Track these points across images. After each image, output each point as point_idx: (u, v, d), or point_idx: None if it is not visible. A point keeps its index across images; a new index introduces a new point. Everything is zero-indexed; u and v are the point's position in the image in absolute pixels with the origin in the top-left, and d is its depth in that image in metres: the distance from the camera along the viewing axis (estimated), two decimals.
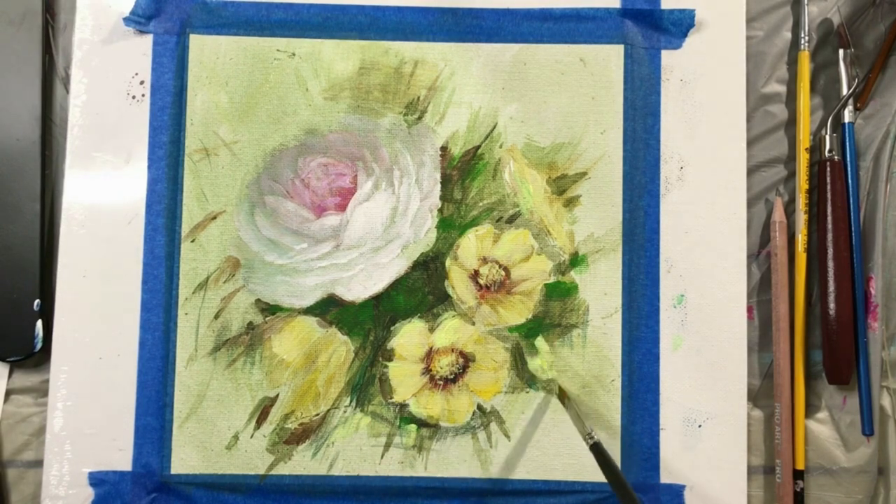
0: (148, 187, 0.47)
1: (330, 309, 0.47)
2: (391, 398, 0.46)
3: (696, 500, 0.46)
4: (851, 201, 0.48)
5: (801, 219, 0.48)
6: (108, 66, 0.48)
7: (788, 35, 0.49)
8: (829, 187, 0.47)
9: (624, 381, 0.47)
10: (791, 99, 0.49)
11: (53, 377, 0.46)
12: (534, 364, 0.47)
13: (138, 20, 0.48)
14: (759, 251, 0.49)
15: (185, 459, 0.46)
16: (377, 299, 0.47)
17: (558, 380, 0.46)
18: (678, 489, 0.46)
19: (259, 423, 0.46)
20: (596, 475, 0.46)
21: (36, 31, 0.48)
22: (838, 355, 0.46)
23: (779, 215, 0.48)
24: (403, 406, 0.46)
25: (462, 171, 0.48)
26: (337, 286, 0.47)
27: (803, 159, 0.48)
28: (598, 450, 0.42)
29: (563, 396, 0.46)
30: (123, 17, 0.48)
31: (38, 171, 0.47)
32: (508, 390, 0.47)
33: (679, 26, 0.48)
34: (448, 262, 0.47)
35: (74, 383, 0.46)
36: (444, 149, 0.48)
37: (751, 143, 0.49)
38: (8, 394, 0.47)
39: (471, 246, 0.47)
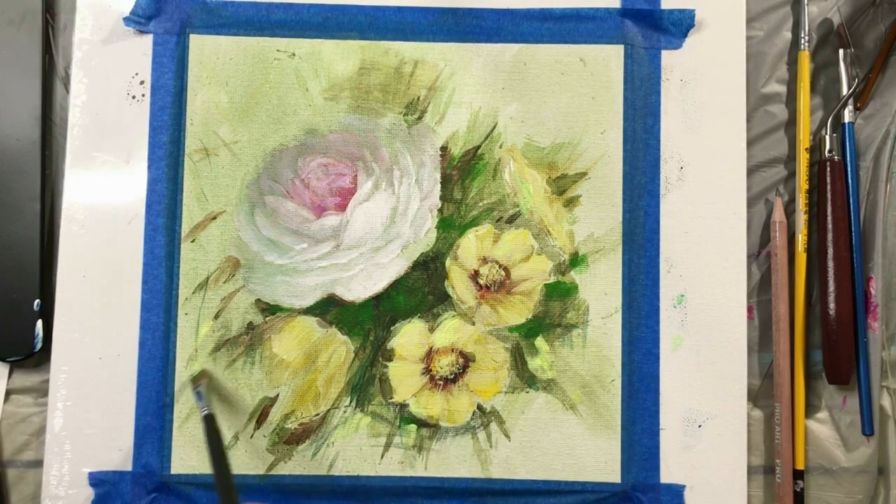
0: (148, 187, 0.47)
1: (330, 309, 0.47)
2: (391, 398, 0.46)
3: (696, 500, 0.46)
4: (851, 201, 0.48)
5: (801, 219, 0.48)
6: (108, 66, 0.48)
7: (788, 35, 0.49)
8: (829, 187, 0.47)
9: (624, 381, 0.47)
10: (791, 99, 0.49)
11: (53, 377, 0.46)
12: (534, 364, 0.47)
13: (138, 20, 0.48)
14: (759, 251, 0.49)
15: (185, 459, 0.46)
16: (377, 299, 0.47)
17: (205, 366, 0.47)
18: (678, 489, 0.46)
19: (259, 423, 0.46)
20: (596, 475, 0.46)
21: (36, 31, 0.48)
22: (838, 355, 0.46)
23: (779, 215, 0.48)
24: (403, 406, 0.46)
25: (462, 171, 0.48)
26: (337, 286, 0.47)
27: (803, 159, 0.48)
28: (208, 421, 0.43)
29: (198, 379, 0.46)
30: (123, 17, 0.48)
31: (38, 171, 0.47)
32: (508, 390, 0.47)
33: (679, 26, 0.48)
34: (448, 262, 0.47)
35: (74, 383, 0.46)
36: (444, 149, 0.48)
37: (751, 143, 0.49)
38: (8, 394, 0.47)
39: (471, 246, 0.47)
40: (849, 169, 0.48)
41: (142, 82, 0.48)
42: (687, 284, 0.47)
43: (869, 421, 0.46)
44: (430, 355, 0.47)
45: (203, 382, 0.46)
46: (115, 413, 0.46)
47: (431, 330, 0.47)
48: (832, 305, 0.46)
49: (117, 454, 0.46)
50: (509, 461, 0.46)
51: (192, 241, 0.47)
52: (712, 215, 0.48)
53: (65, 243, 0.47)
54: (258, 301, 0.47)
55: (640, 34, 0.48)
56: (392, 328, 0.47)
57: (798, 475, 0.46)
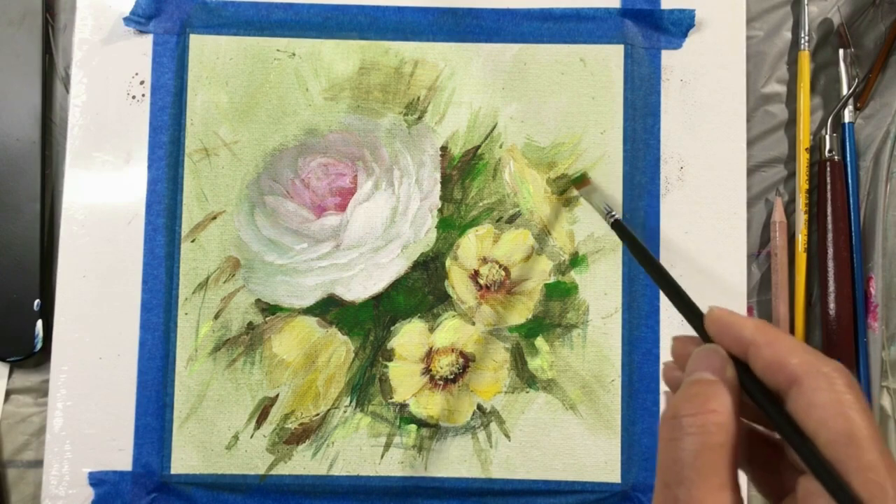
0: (148, 187, 0.47)
1: (330, 309, 0.47)
2: (391, 398, 0.46)
3: None
4: (851, 201, 0.48)
5: (801, 219, 0.48)
6: (108, 66, 0.48)
7: (788, 35, 0.49)
8: (829, 187, 0.47)
9: (624, 381, 0.47)
10: (791, 99, 0.49)
11: (53, 377, 0.46)
12: (534, 364, 0.47)
13: (138, 20, 0.48)
14: (759, 251, 0.49)
15: (185, 459, 0.46)
16: (377, 299, 0.47)
17: (587, 172, 0.47)
18: None
19: (259, 423, 0.46)
20: (596, 475, 0.46)
21: (36, 31, 0.48)
22: (838, 355, 0.46)
23: (779, 215, 0.48)
24: (403, 406, 0.46)
25: (462, 171, 0.48)
26: (337, 286, 0.47)
27: (803, 159, 0.48)
28: (618, 227, 0.42)
29: (582, 183, 0.47)
30: (123, 17, 0.48)
31: (38, 171, 0.47)
32: (508, 390, 0.47)
33: (679, 26, 0.48)
34: (448, 262, 0.47)
35: (74, 383, 0.46)
36: (444, 149, 0.48)
37: (751, 143, 0.49)
38: (8, 394, 0.47)
39: (471, 246, 0.47)
40: (849, 169, 0.48)
41: (142, 82, 0.48)
42: (687, 284, 0.47)
43: None
44: (430, 355, 0.47)
45: (589, 187, 0.46)
46: (115, 413, 0.46)
47: (431, 330, 0.47)
48: (832, 305, 0.46)
49: (117, 454, 0.46)
50: (509, 461, 0.46)
51: (192, 241, 0.47)
52: (712, 215, 0.48)
53: (65, 243, 0.47)
54: (258, 301, 0.47)
55: (640, 34, 0.48)
56: (392, 328, 0.47)
57: None
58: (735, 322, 0.28)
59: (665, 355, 0.47)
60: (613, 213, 0.43)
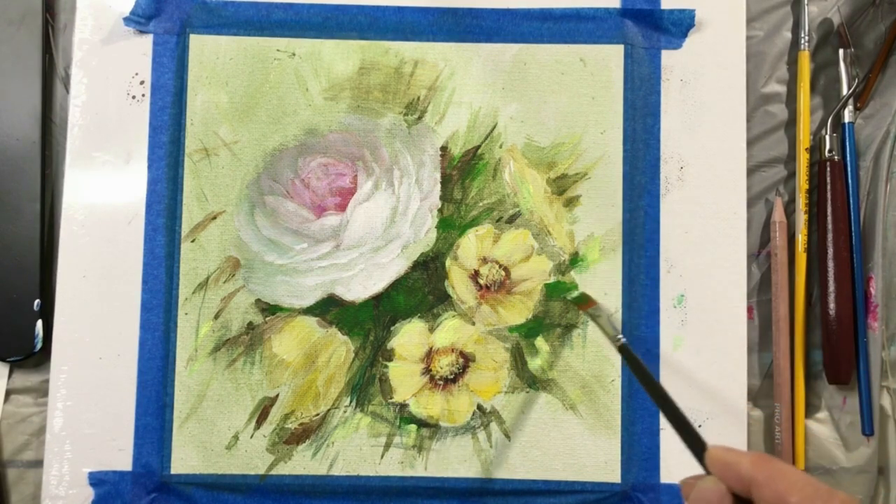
0: (148, 187, 0.47)
1: (330, 309, 0.47)
2: (391, 398, 0.47)
3: None
4: (851, 201, 0.48)
5: (801, 219, 0.48)
6: (108, 66, 0.48)
7: (788, 35, 0.49)
8: (829, 187, 0.47)
9: (624, 381, 0.47)
10: (791, 99, 0.49)
11: (53, 377, 0.46)
12: (534, 364, 0.47)
13: (138, 20, 0.48)
14: (759, 251, 0.49)
15: (185, 459, 0.46)
16: (377, 299, 0.47)
17: (585, 290, 0.47)
18: (678, 489, 0.46)
19: (259, 423, 0.46)
20: (596, 475, 0.46)
21: (36, 31, 0.48)
22: (838, 355, 0.46)
23: (779, 215, 0.48)
24: (403, 406, 0.47)
25: (462, 171, 0.48)
26: (337, 286, 0.47)
27: (803, 159, 0.48)
28: (625, 351, 0.42)
29: (586, 304, 0.46)
30: (123, 17, 0.48)
31: (38, 171, 0.47)
32: (508, 390, 0.47)
33: (679, 26, 0.48)
34: (448, 262, 0.47)
35: (74, 383, 0.46)
36: (444, 149, 0.48)
37: (751, 143, 0.49)
38: (8, 394, 0.47)
39: (471, 246, 0.47)
40: (849, 169, 0.48)
41: (142, 82, 0.48)
42: (687, 284, 0.47)
43: (869, 421, 0.46)
44: (430, 355, 0.47)
45: (595, 308, 0.46)
46: (115, 413, 0.46)
47: (431, 330, 0.47)
48: (832, 305, 0.46)
49: (117, 454, 0.46)
50: (509, 461, 0.46)
51: (192, 241, 0.47)
52: (712, 215, 0.48)
53: (65, 243, 0.47)
54: (258, 301, 0.47)
55: (640, 34, 0.48)
56: (392, 328, 0.47)
57: None
58: (733, 460, 0.29)
59: (665, 355, 0.47)
60: (621, 337, 0.42)
